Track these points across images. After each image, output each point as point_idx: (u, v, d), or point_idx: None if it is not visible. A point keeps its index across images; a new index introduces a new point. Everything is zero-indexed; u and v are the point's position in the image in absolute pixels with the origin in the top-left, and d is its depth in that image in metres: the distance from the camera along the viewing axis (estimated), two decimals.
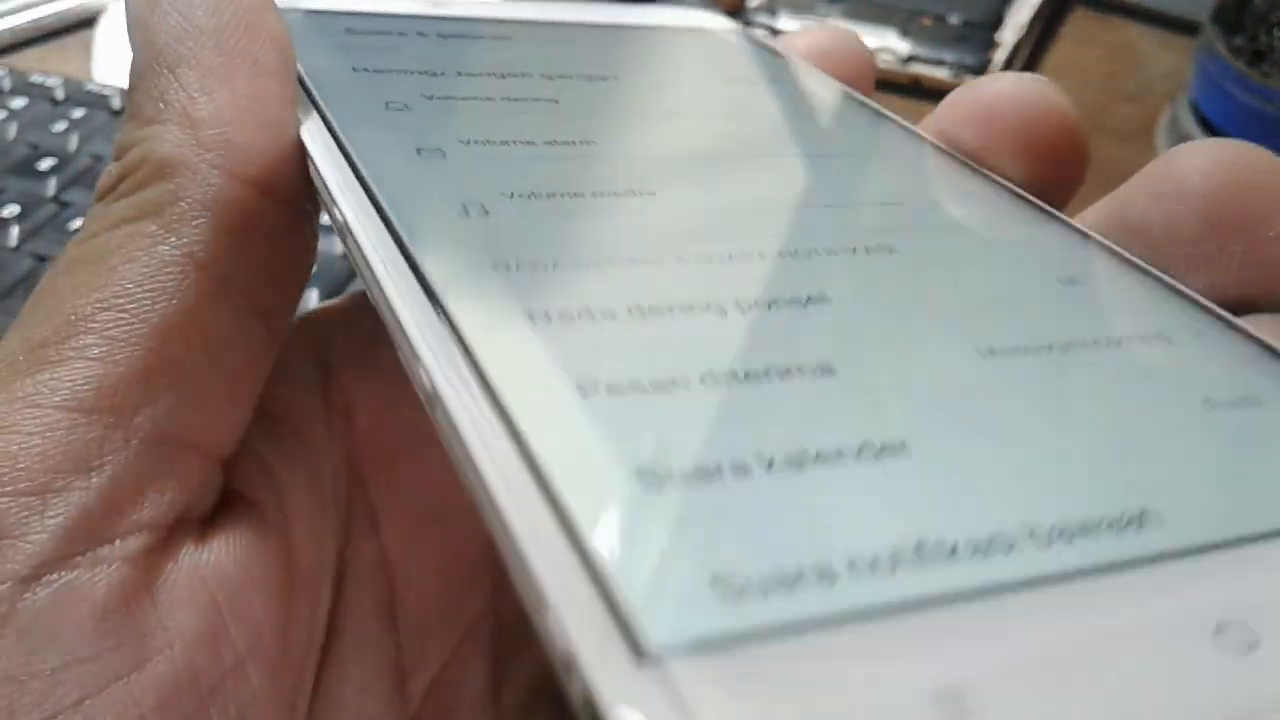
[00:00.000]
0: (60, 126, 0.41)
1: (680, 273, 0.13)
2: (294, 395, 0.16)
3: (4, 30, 0.52)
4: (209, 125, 0.14)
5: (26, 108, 0.42)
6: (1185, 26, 0.48)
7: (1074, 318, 0.14)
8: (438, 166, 0.14)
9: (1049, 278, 0.15)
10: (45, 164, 0.39)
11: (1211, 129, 0.42)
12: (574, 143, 0.16)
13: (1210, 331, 0.14)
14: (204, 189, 0.14)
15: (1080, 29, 0.51)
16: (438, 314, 0.12)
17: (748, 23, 0.49)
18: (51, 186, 0.38)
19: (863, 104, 0.19)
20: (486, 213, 0.13)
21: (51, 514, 0.13)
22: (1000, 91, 0.17)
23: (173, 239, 0.13)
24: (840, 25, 0.19)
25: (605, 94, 0.18)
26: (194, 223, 0.13)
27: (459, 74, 0.17)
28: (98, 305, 0.13)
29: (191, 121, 0.14)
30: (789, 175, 0.17)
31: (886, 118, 0.19)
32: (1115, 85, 0.47)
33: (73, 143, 0.40)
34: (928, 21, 0.48)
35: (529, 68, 0.18)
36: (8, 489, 0.13)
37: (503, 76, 0.17)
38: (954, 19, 0.48)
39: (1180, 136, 0.43)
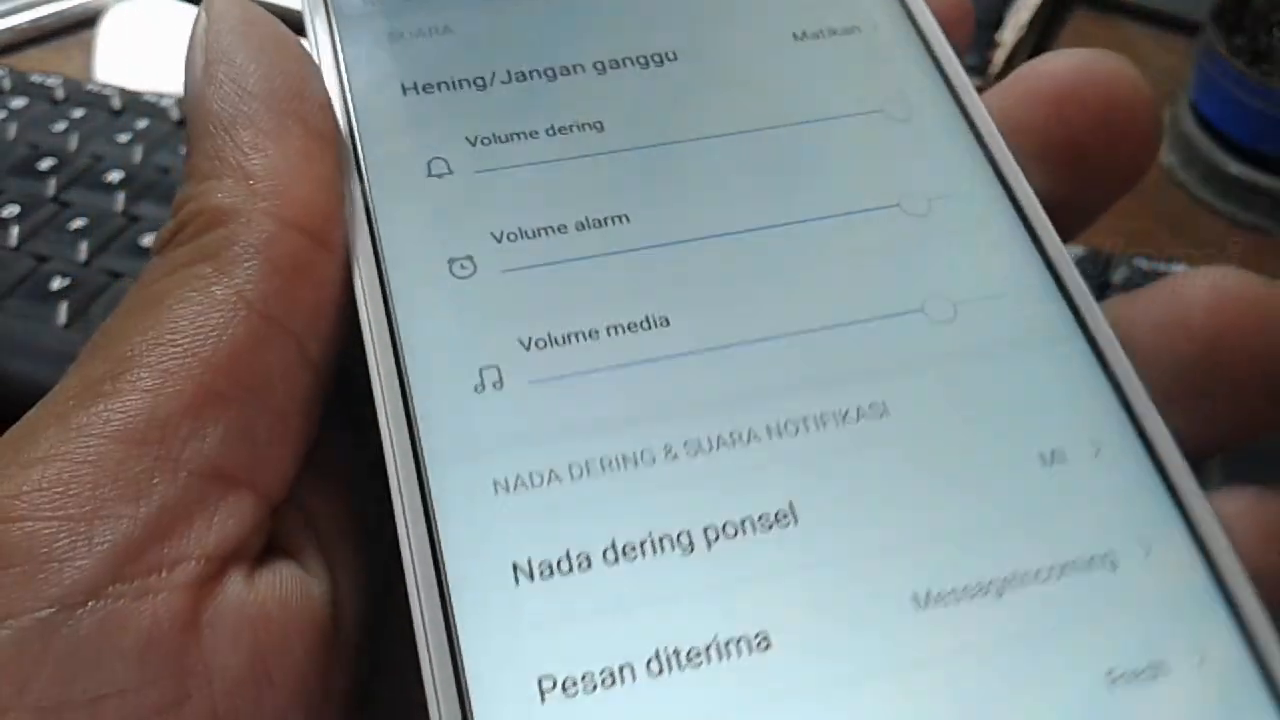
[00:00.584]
0: (60, 126, 0.41)
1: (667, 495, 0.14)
2: (343, 448, 0.16)
3: (4, 30, 0.52)
4: (262, 177, 0.15)
5: (26, 108, 0.42)
6: (1185, 26, 0.48)
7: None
8: (463, 293, 0.15)
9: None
10: (45, 164, 0.39)
11: (1211, 129, 0.42)
12: (606, 222, 0.16)
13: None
14: (257, 233, 0.14)
15: (1080, 29, 0.51)
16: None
17: None
18: (51, 186, 0.38)
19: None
20: (500, 385, 0.14)
21: (99, 540, 0.13)
22: (1073, 67, 0.17)
23: (225, 279, 0.14)
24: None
25: (659, 95, 0.18)
26: (246, 264, 0.14)
27: (505, 82, 0.17)
28: (151, 342, 0.14)
29: (246, 174, 0.15)
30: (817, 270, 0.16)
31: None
32: None
33: (73, 143, 0.40)
34: None
35: (582, 51, 0.18)
36: (56, 514, 0.13)
37: (553, 77, 0.17)
38: None
39: (1180, 136, 0.43)
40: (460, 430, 0.14)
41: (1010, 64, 0.47)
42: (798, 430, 0.15)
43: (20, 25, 0.52)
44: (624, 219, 0.16)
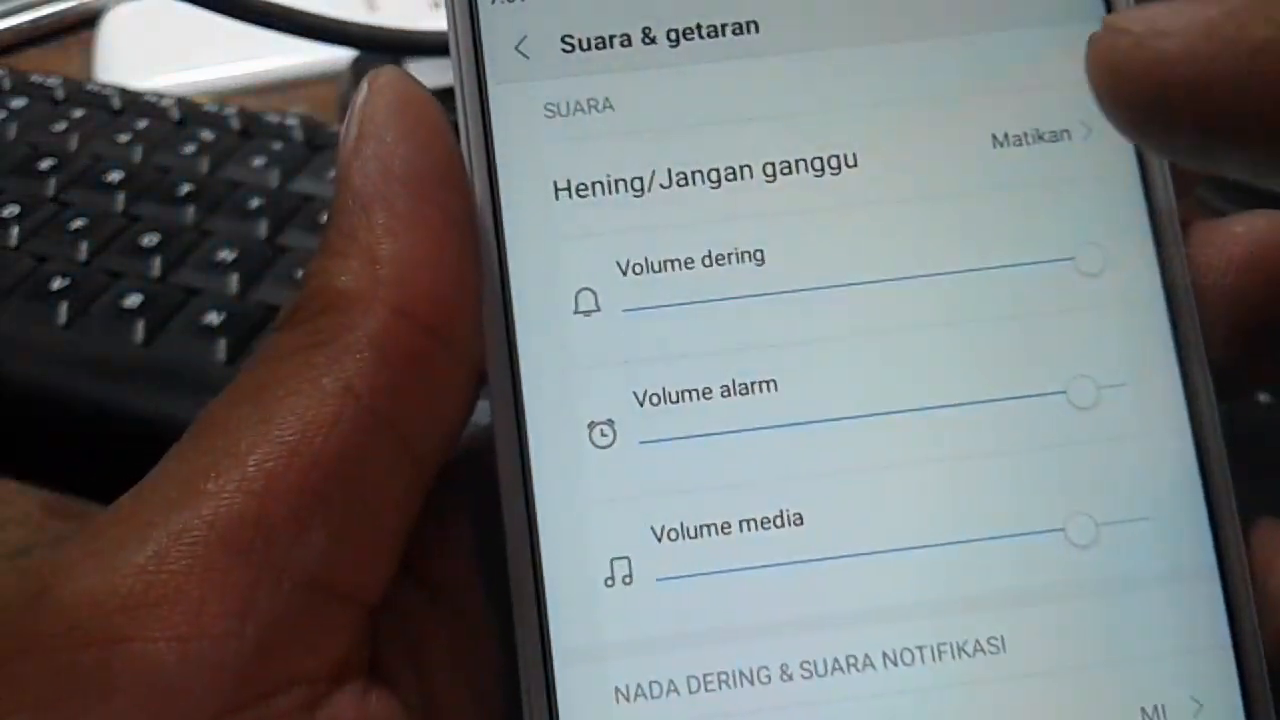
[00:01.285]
0: (60, 126, 0.41)
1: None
2: (444, 552, 0.16)
3: (4, 30, 0.52)
4: (389, 264, 0.14)
5: (26, 108, 0.42)
6: None
7: None
8: (602, 468, 0.15)
9: None
10: (45, 164, 0.39)
11: None
12: (751, 389, 0.15)
13: None
14: (373, 323, 0.14)
15: None
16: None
17: None
18: (51, 186, 0.38)
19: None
20: (630, 580, 0.14)
21: (208, 664, 0.13)
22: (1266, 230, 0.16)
23: (336, 370, 0.14)
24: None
25: (829, 218, 0.16)
26: (358, 355, 0.14)
27: (665, 183, 0.15)
28: (259, 436, 0.13)
29: (373, 258, 0.14)
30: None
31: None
32: None
33: (73, 143, 0.40)
34: None
35: (753, 144, 0.16)
36: (164, 634, 0.12)
37: (717, 183, 0.15)
38: None
39: None
40: (587, 626, 0.14)
41: None
42: (913, 660, 0.14)
43: (20, 25, 0.52)
44: (772, 386, 0.15)
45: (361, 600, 0.14)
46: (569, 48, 0.16)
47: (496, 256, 0.15)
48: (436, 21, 0.51)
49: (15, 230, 0.37)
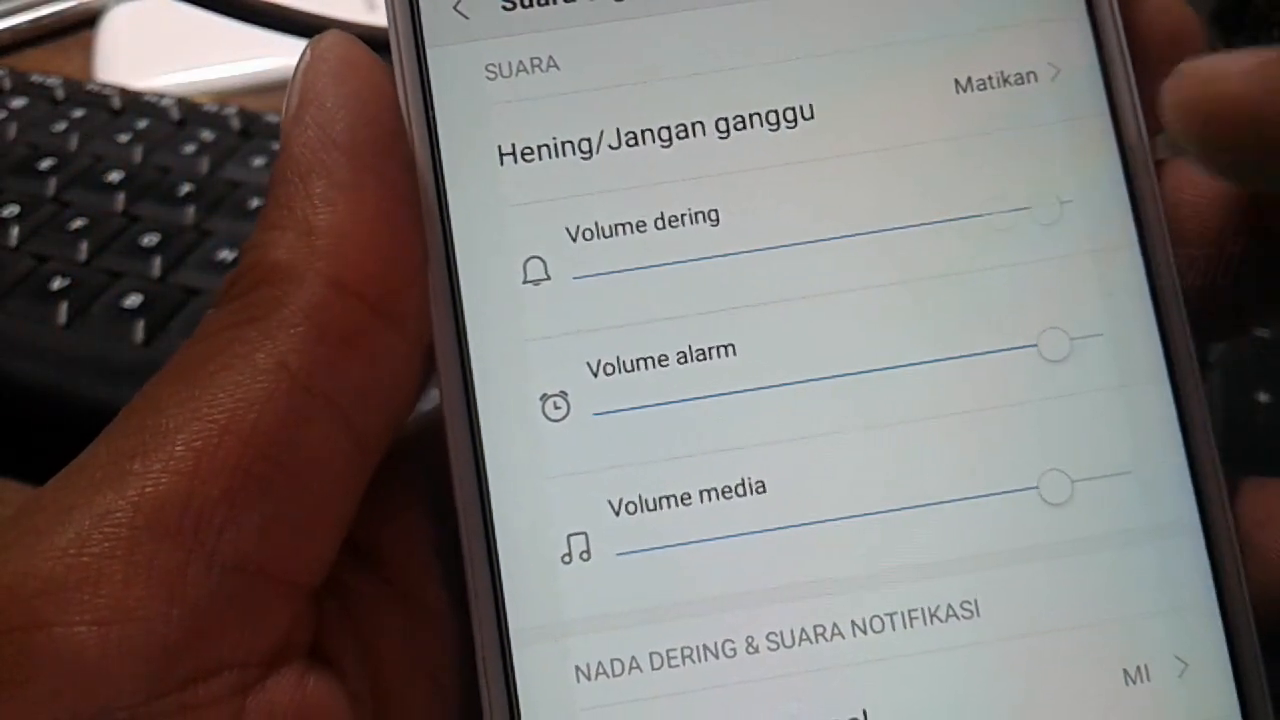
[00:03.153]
0: (60, 126, 0.41)
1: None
2: (395, 534, 0.15)
3: (4, 30, 0.52)
4: (324, 234, 0.13)
5: (26, 108, 0.42)
6: None
7: None
8: (556, 439, 0.14)
9: None
10: (45, 164, 0.39)
11: None
12: (709, 354, 0.14)
13: None
14: (308, 296, 0.13)
15: None
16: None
17: None
18: (51, 186, 0.38)
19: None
20: (587, 557, 0.14)
21: (133, 649, 0.12)
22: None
23: (269, 345, 0.13)
24: None
25: (784, 173, 0.15)
26: (292, 330, 0.13)
27: (611, 147, 0.15)
28: (188, 414, 0.13)
29: (309, 229, 0.13)
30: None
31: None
32: None
33: (73, 143, 0.40)
34: None
35: (704, 99, 0.15)
36: (85, 618, 0.12)
37: (668, 141, 0.15)
38: None
39: None
40: (545, 604, 0.14)
41: None
42: (883, 627, 0.14)
43: (20, 25, 0.52)
44: (730, 350, 0.14)
45: (299, 582, 0.14)
46: (510, 5, 0.15)
47: (440, 226, 0.15)
48: None
49: (15, 230, 0.37)
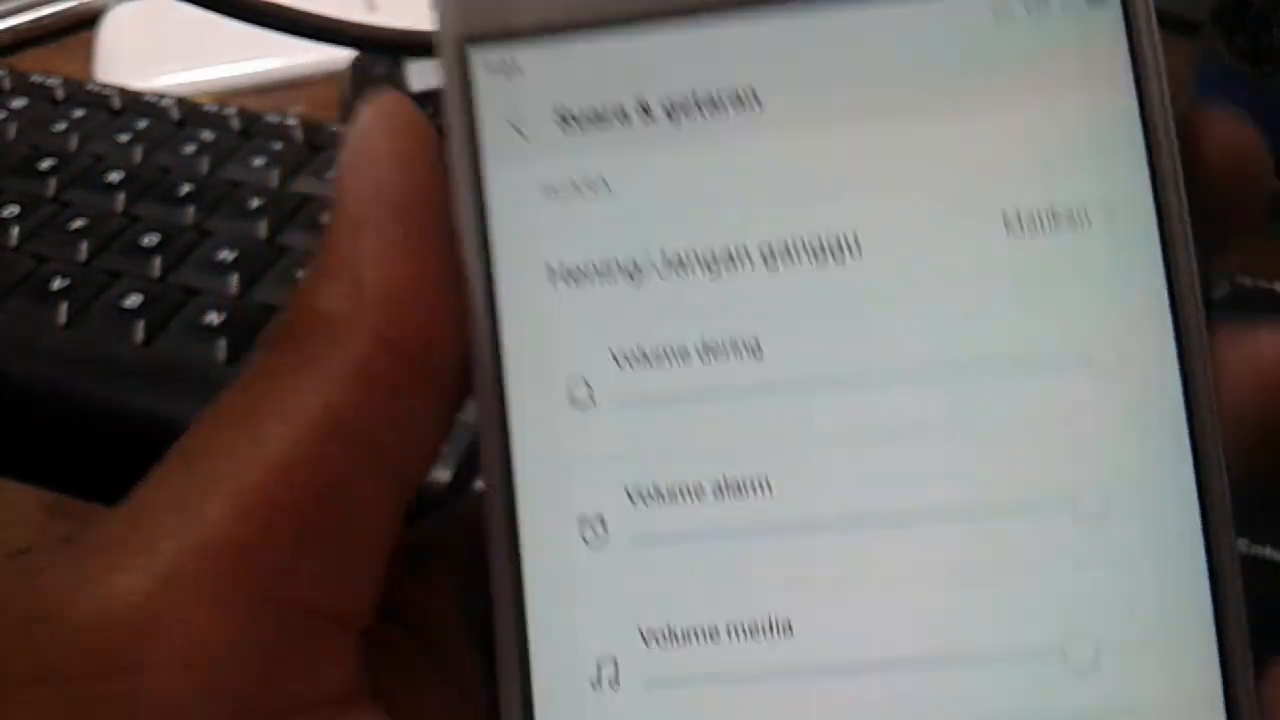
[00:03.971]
0: (60, 126, 0.41)
1: None
2: (429, 596, 0.16)
3: (4, 30, 0.52)
4: (374, 288, 0.14)
5: (26, 108, 0.42)
6: (1185, 26, 0.48)
7: None
8: (592, 567, 0.15)
9: None
10: (45, 164, 0.39)
11: None
12: (745, 489, 0.15)
13: None
14: (358, 348, 0.14)
15: None
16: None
17: None
18: (51, 186, 0.38)
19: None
20: (616, 684, 0.14)
21: (220, 690, 0.13)
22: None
23: (322, 395, 0.14)
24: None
25: (827, 308, 0.15)
26: (342, 380, 0.14)
27: (658, 262, 0.15)
28: (248, 462, 0.13)
29: (359, 282, 0.14)
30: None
31: None
32: None
33: (73, 143, 0.40)
34: None
35: (752, 224, 0.15)
36: (177, 661, 0.12)
37: (713, 269, 0.15)
38: None
39: None
40: None
41: None
42: None
43: (20, 25, 0.52)
44: (764, 487, 0.14)
45: (355, 625, 0.14)
46: (566, 126, 0.15)
47: (490, 342, 0.15)
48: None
49: (15, 230, 0.37)
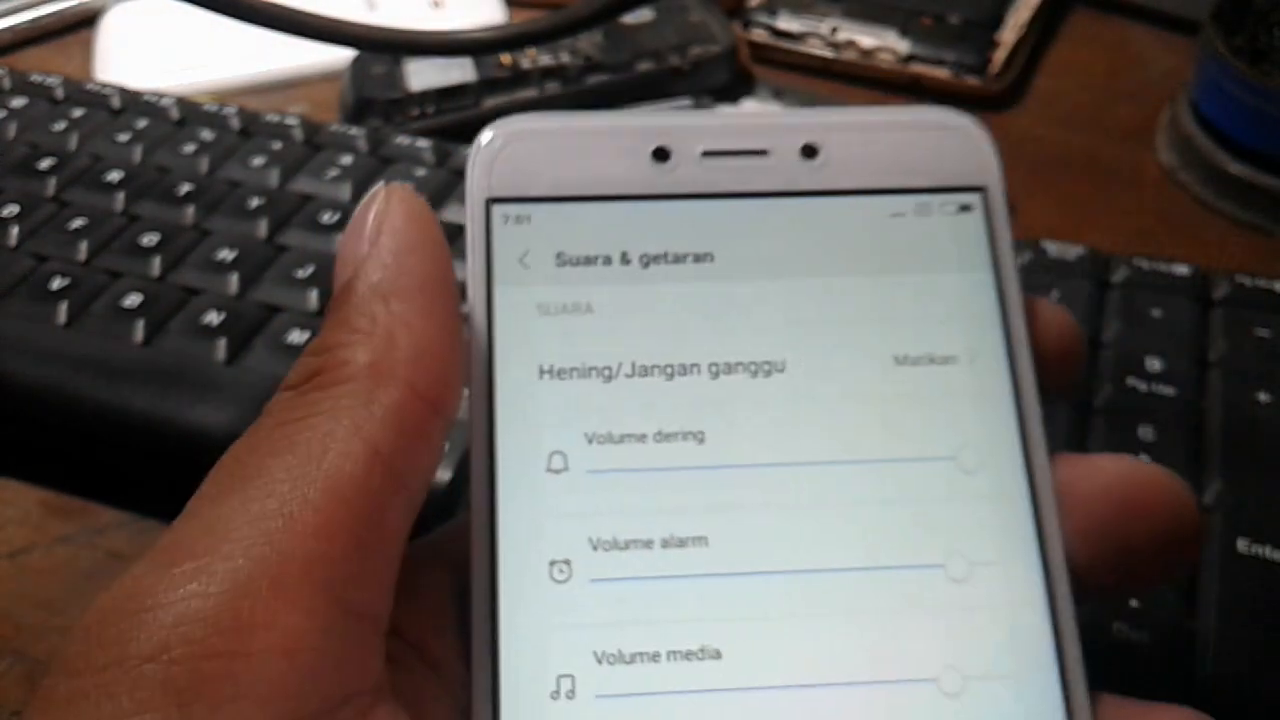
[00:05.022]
0: (60, 126, 0.41)
1: None
2: (425, 621, 0.18)
3: (4, 30, 0.52)
4: (405, 348, 0.17)
5: (26, 108, 0.42)
6: (1185, 26, 0.48)
7: None
8: (557, 599, 0.18)
9: None
10: (45, 164, 0.39)
11: (1211, 129, 0.42)
12: (687, 542, 0.18)
13: None
14: (394, 395, 0.17)
15: (1080, 28, 0.51)
16: None
17: (747, 23, 0.49)
18: (51, 186, 0.39)
19: None
20: (572, 696, 0.17)
21: (309, 673, 0.15)
22: (1147, 477, 0.18)
23: (365, 432, 0.16)
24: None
25: (759, 410, 0.19)
26: (383, 422, 0.16)
27: (629, 374, 0.19)
28: (309, 487, 0.16)
29: (392, 342, 0.17)
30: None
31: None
32: (1115, 85, 0.47)
33: (73, 143, 0.40)
34: (928, 21, 0.48)
35: (702, 347, 0.19)
36: (275, 647, 0.15)
37: (670, 376, 0.19)
38: (954, 19, 0.48)
39: (1180, 136, 0.43)
40: None
41: (1010, 63, 0.47)
42: None
43: (20, 25, 0.52)
44: (702, 542, 0.18)
45: (382, 627, 0.17)
46: (561, 262, 0.19)
47: (486, 423, 0.18)
48: (436, 21, 0.51)
49: (15, 230, 0.37)
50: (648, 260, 0.19)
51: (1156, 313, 0.32)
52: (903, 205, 0.20)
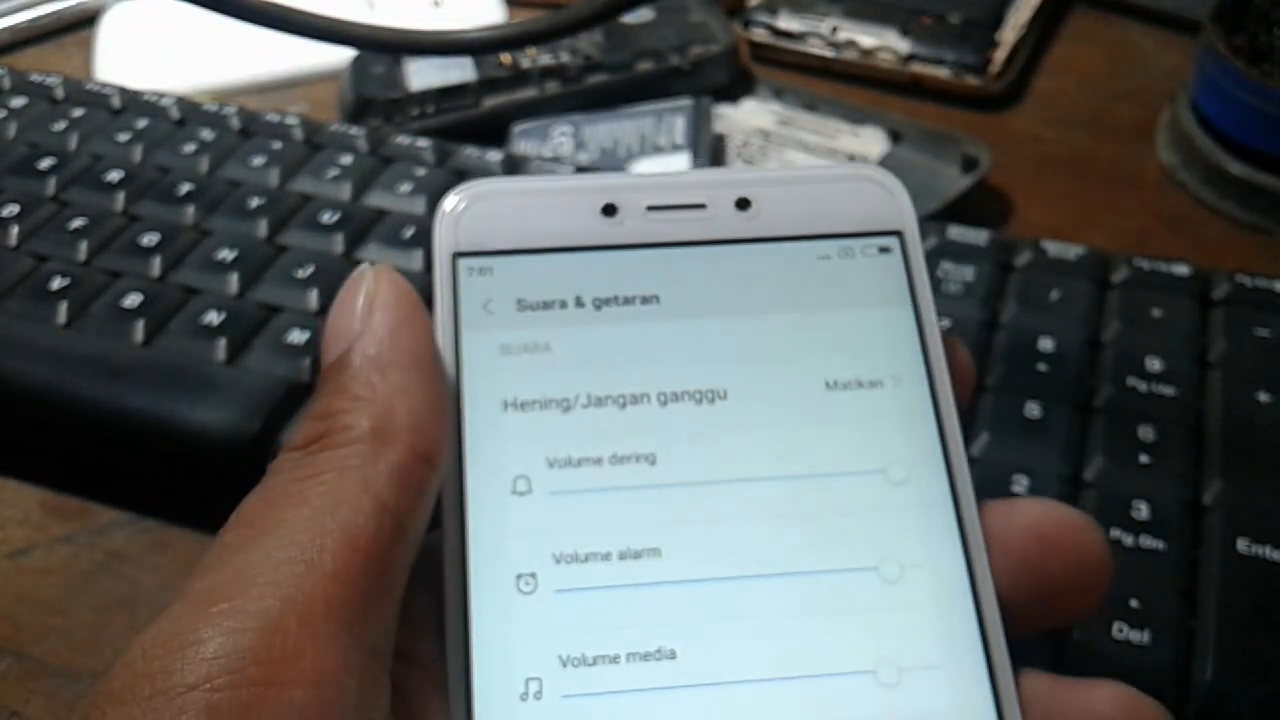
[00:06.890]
0: (60, 126, 0.41)
1: None
2: (413, 630, 0.19)
3: (4, 30, 0.52)
4: (404, 414, 0.19)
5: (26, 107, 0.42)
6: (1185, 26, 0.48)
7: None
8: (524, 609, 0.19)
9: None
10: (45, 164, 0.39)
11: (1211, 129, 0.42)
12: (642, 554, 0.20)
13: None
14: (397, 456, 0.18)
15: (1080, 28, 0.51)
16: None
17: (747, 23, 0.49)
18: (51, 186, 0.39)
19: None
20: (540, 696, 0.19)
21: (334, 708, 0.16)
22: (1064, 518, 0.20)
23: (375, 489, 0.18)
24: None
25: (705, 433, 0.21)
26: (390, 481, 0.18)
27: (588, 405, 0.21)
28: (326, 538, 0.17)
29: (393, 408, 0.19)
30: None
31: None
32: (1115, 84, 0.47)
33: (72, 142, 0.40)
34: (928, 21, 0.48)
35: (652, 377, 0.21)
36: (301, 680, 0.16)
37: (623, 405, 0.21)
38: (954, 18, 0.48)
39: (1180, 136, 0.43)
40: None
41: (1010, 63, 0.47)
42: None
43: (20, 25, 0.53)
44: (657, 553, 0.20)
45: (388, 664, 0.18)
46: (522, 307, 0.21)
47: (457, 450, 0.20)
48: (436, 21, 0.51)
49: (15, 230, 0.37)
50: (600, 303, 0.21)
51: (1157, 313, 0.32)
52: (828, 249, 0.22)
